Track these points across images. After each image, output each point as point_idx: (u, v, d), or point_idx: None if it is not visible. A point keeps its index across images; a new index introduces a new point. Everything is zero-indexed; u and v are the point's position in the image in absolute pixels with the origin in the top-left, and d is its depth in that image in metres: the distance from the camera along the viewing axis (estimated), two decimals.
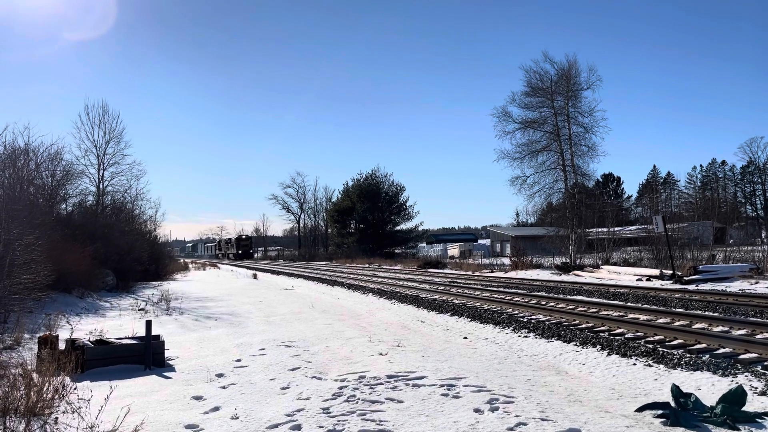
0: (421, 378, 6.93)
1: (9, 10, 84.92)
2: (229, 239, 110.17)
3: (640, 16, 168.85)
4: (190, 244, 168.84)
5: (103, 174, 31.36)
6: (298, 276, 34.82)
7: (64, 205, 27.03)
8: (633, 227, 47.28)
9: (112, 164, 31.66)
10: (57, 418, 5.33)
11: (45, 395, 5.52)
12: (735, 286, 17.31)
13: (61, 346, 8.30)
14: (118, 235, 26.18)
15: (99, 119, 31.25)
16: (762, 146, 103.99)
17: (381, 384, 6.66)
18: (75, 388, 6.26)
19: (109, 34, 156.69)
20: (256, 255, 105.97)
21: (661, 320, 10.74)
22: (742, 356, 7.43)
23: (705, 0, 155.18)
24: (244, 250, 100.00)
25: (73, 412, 5.45)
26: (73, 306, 16.51)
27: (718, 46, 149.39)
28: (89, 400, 5.73)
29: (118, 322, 13.78)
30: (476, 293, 17.77)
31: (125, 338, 9.17)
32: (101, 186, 31.35)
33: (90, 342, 8.47)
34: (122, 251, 24.64)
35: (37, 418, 5.21)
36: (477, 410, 5.50)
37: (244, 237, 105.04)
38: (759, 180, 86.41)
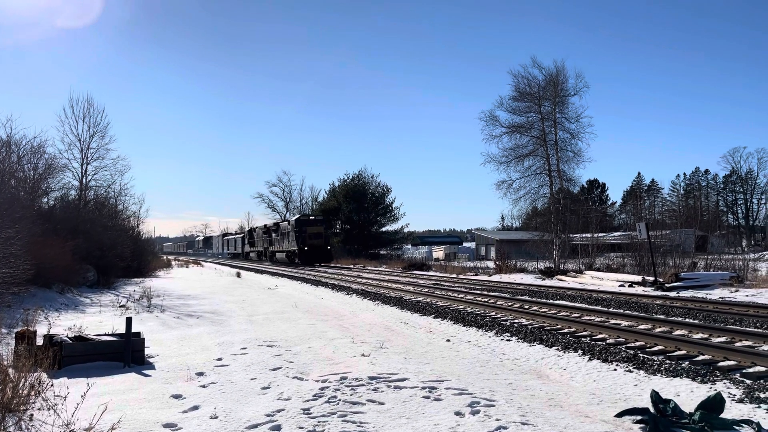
0: (403, 380, 6.92)
1: None
2: (275, 226, 59.19)
3: (628, 25, 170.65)
4: (201, 238, 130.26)
5: (86, 168, 30.94)
6: (282, 275, 34.65)
7: (45, 199, 26.71)
8: (617, 233, 47.62)
9: (95, 159, 31.22)
10: (32, 414, 5.25)
11: (21, 391, 5.43)
12: (715, 294, 17.50)
13: (39, 341, 8.18)
14: (101, 231, 25.87)
15: (83, 113, 30.63)
16: (744, 156, 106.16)
17: (362, 385, 6.63)
18: (51, 385, 6.17)
19: (97, 22, 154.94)
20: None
21: (642, 326, 10.84)
22: (721, 363, 7.50)
23: (692, 11, 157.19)
24: (314, 245, 49.07)
25: (49, 409, 5.36)
26: (52, 301, 16.29)
27: (704, 57, 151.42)
28: (66, 397, 5.65)
29: (98, 318, 13.61)
30: (460, 296, 17.80)
31: (105, 335, 9.04)
32: (84, 181, 30.94)
33: (68, 338, 8.35)
34: (104, 247, 24.38)
35: (12, 415, 5.12)
36: (458, 413, 5.50)
37: (312, 219, 52.88)
38: (741, 189, 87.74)
